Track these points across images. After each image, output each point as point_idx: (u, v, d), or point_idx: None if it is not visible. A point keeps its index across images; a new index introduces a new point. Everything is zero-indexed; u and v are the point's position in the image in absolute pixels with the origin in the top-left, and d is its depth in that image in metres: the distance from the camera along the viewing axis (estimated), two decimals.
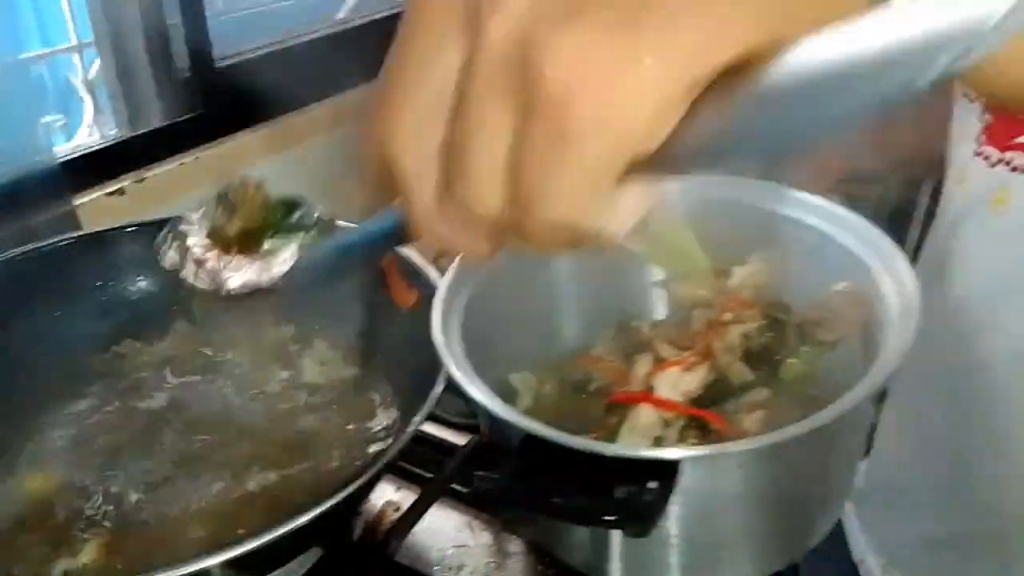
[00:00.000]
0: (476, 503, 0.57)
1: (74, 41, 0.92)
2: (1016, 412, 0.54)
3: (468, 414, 0.59)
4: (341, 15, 1.23)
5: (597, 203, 0.22)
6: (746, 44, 0.20)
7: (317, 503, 0.40)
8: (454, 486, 0.56)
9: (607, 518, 0.35)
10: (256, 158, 0.97)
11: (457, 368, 0.42)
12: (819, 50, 0.18)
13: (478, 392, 0.41)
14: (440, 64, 0.24)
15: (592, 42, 0.20)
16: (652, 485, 0.36)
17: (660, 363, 0.50)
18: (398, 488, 0.58)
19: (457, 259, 0.50)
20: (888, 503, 0.69)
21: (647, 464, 0.37)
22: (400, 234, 0.28)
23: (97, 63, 0.94)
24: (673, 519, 0.41)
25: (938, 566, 0.63)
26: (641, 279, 0.56)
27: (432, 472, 0.57)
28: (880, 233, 0.49)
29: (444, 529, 0.56)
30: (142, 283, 0.61)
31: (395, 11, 1.25)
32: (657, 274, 0.56)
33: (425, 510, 0.53)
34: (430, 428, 0.60)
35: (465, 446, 0.58)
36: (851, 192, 0.66)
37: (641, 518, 0.36)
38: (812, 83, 0.19)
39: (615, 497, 0.35)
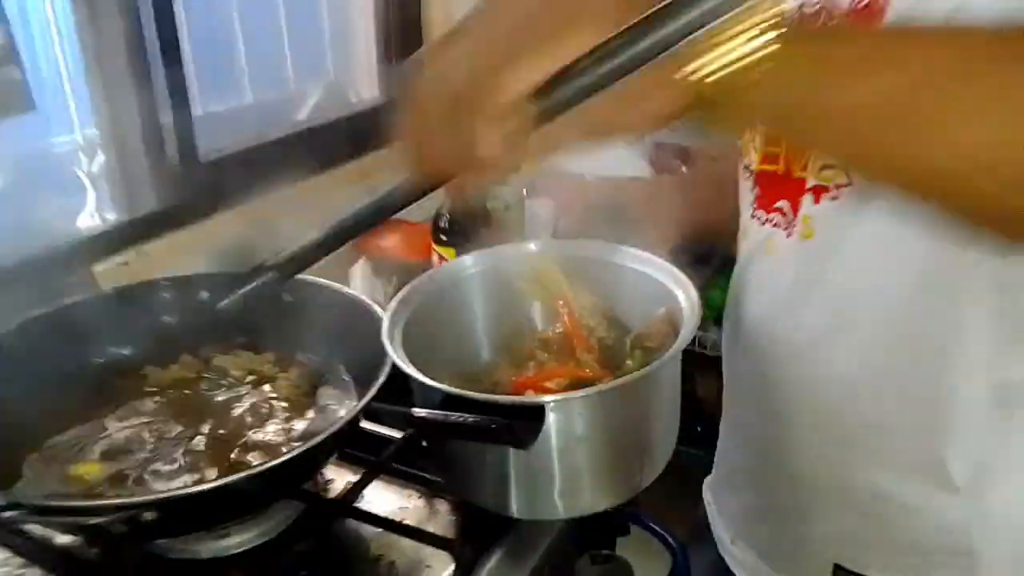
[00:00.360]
0: (410, 479, 0.77)
1: (80, 140, 1.13)
2: (800, 406, 0.73)
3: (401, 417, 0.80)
4: (302, 116, 1.47)
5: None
6: None
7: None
8: (396, 465, 0.77)
9: (501, 433, 0.57)
10: (231, 233, 1.19)
11: (398, 358, 0.64)
12: None
13: (414, 371, 0.63)
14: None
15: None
16: (527, 420, 0.59)
17: (540, 367, 0.74)
18: (355, 473, 0.78)
19: (402, 290, 0.72)
20: (729, 485, 0.90)
21: (525, 407, 0.60)
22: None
23: (100, 157, 1.14)
24: (551, 454, 0.63)
25: (764, 532, 0.81)
26: (525, 308, 0.80)
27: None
28: (681, 274, 0.73)
29: (389, 497, 0.76)
30: (165, 319, 0.81)
31: (345, 115, 1.51)
32: (535, 302, 0.79)
33: (375, 475, 0.74)
34: (375, 427, 0.80)
35: (400, 438, 0.78)
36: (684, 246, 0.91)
37: (521, 435, 0.58)
38: None
39: (504, 421, 0.57)
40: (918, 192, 0.48)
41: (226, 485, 0.57)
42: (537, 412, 0.60)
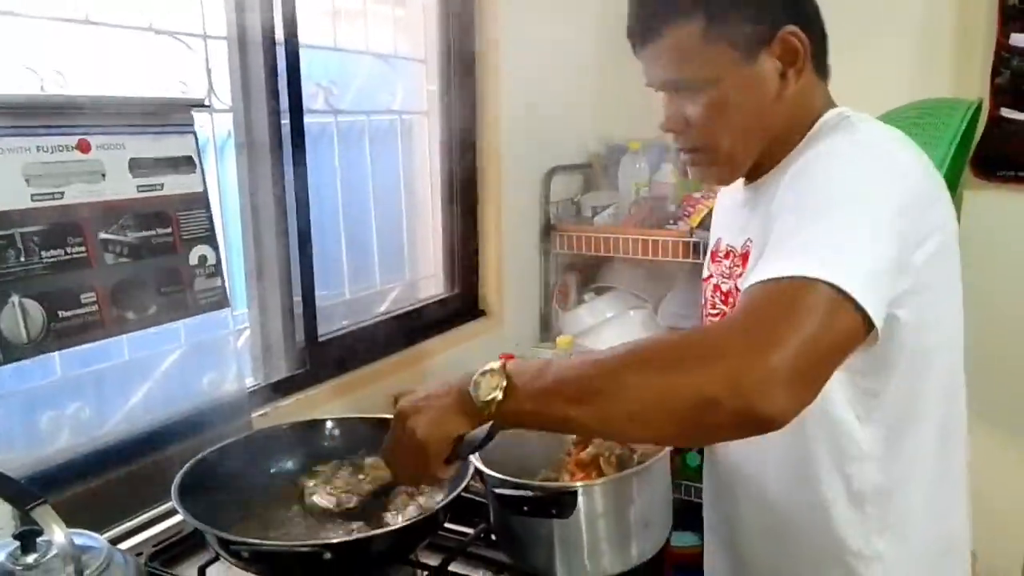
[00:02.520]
0: (482, 560, 1.10)
1: (231, 325, 1.54)
2: (740, 515, 1.09)
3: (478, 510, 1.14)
4: (383, 308, 1.90)
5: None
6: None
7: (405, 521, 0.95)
8: (471, 550, 1.10)
9: (548, 505, 0.91)
10: (337, 397, 1.57)
11: (480, 464, 0.99)
12: None
13: (491, 471, 0.97)
14: None
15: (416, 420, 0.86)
16: (567, 496, 0.93)
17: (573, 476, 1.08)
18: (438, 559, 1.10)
19: None
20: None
21: (564, 491, 0.94)
22: None
23: (247, 334, 1.55)
24: (580, 526, 0.96)
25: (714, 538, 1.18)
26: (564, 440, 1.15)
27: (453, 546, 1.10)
28: None
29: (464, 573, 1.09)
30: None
31: (418, 306, 1.93)
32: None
33: (459, 554, 1.06)
34: (453, 526, 1.13)
35: (477, 529, 1.11)
36: None
37: (561, 508, 0.92)
38: None
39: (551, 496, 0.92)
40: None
41: (381, 535, 0.92)
42: (572, 493, 0.94)
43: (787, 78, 0.93)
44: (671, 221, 2.08)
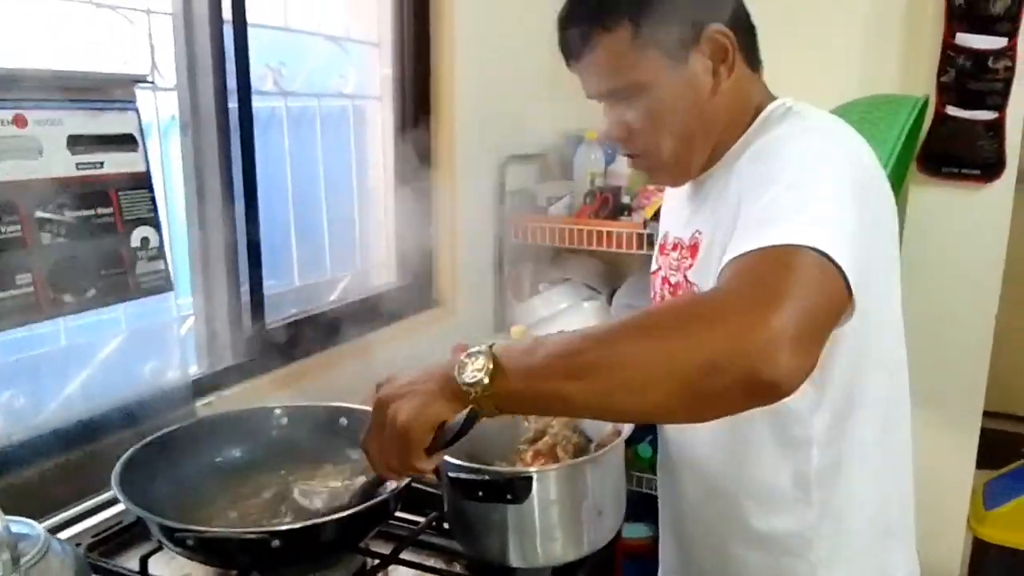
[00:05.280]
0: (434, 548, 1.08)
1: (175, 312, 1.50)
2: (686, 505, 1.10)
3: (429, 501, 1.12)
4: (333, 297, 1.86)
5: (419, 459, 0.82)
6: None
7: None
8: (422, 538, 1.08)
9: (504, 489, 0.90)
10: (285, 387, 1.53)
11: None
12: None
13: (448, 457, 0.96)
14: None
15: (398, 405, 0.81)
16: (521, 481, 0.92)
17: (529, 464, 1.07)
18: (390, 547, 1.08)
19: None
20: (664, 566, 1.22)
21: (520, 476, 0.93)
22: None
23: (191, 322, 1.50)
24: (534, 512, 0.95)
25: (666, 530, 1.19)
26: (519, 423, 1.14)
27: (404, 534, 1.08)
28: None
29: (420, 562, 1.07)
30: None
31: (369, 295, 1.90)
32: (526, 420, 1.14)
33: (410, 542, 1.04)
34: (404, 515, 1.11)
35: (428, 518, 1.10)
36: None
37: (515, 493, 0.91)
38: None
39: (506, 480, 0.90)
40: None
41: (330, 521, 0.89)
42: (527, 479, 0.93)
43: (719, 75, 0.95)
44: (625, 212, 2.09)
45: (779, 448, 0.97)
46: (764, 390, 0.70)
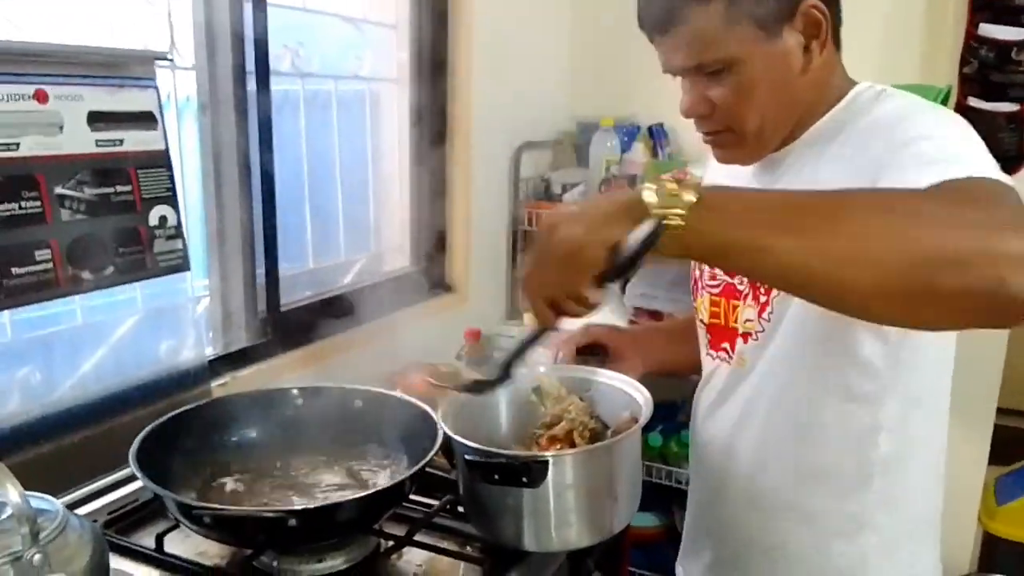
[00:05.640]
0: (448, 531, 1.08)
1: (190, 293, 1.50)
2: (726, 481, 1.09)
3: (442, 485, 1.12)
4: (347, 280, 1.86)
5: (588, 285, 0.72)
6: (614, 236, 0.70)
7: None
8: (436, 521, 1.08)
9: (520, 472, 0.90)
10: (299, 368, 1.53)
11: (450, 431, 0.97)
12: None
13: (461, 438, 0.95)
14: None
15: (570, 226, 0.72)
16: (537, 465, 0.91)
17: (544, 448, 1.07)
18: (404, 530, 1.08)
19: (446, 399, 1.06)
20: (692, 551, 1.21)
21: (536, 460, 0.92)
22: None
23: (206, 303, 1.50)
24: (549, 496, 0.94)
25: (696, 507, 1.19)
26: (535, 411, 1.14)
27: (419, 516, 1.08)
28: (641, 385, 1.08)
29: (433, 544, 1.07)
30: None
31: (383, 279, 1.90)
32: (542, 407, 1.13)
33: (425, 524, 1.04)
34: (419, 498, 1.11)
35: (442, 501, 1.10)
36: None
37: (531, 477, 0.90)
38: None
39: (523, 464, 0.90)
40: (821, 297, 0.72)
41: (346, 502, 0.89)
42: (544, 462, 0.93)
43: (811, 51, 0.93)
44: None
45: (848, 432, 0.97)
46: (1004, 303, 0.63)
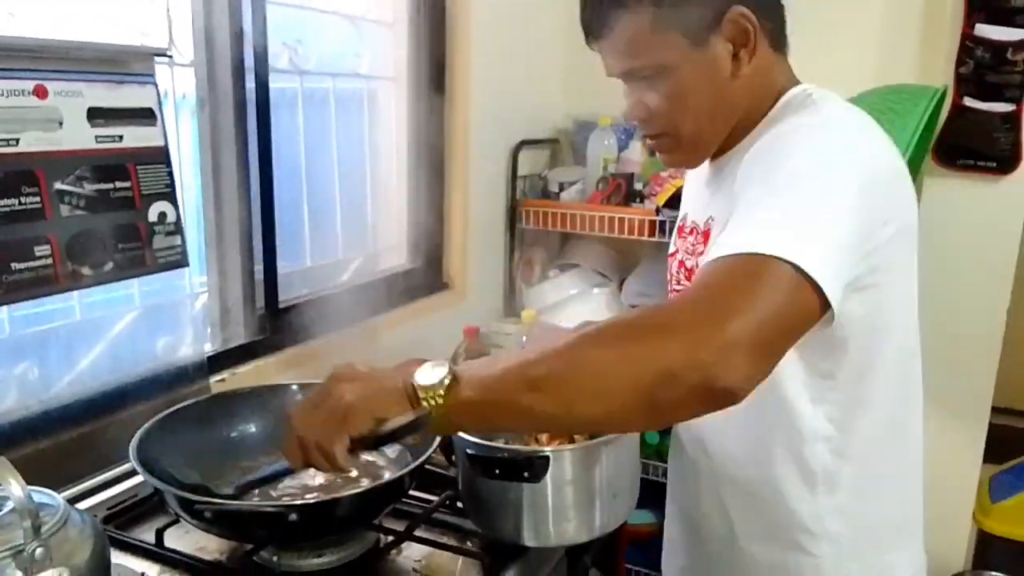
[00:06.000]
0: (447, 527, 1.08)
1: (188, 290, 1.50)
2: (700, 487, 1.09)
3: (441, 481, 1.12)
4: (344, 278, 1.86)
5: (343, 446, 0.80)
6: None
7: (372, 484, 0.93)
8: (435, 516, 1.08)
9: (521, 466, 0.90)
10: (297, 365, 1.54)
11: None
12: None
13: (465, 435, 0.96)
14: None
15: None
16: (538, 460, 0.92)
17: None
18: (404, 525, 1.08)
19: None
20: (670, 553, 1.22)
21: (536, 455, 0.93)
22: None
23: (204, 299, 1.50)
24: (547, 492, 0.95)
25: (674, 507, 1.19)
26: None
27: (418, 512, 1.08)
28: None
29: (432, 540, 1.07)
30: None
31: (381, 277, 1.90)
32: None
33: (425, 519, 1.05)
34: (418, 493, 1.11)
35: (442, 496, 1.10)
36: None
37: (532, 471, 0.91)
38: None
39: (524, 458, 0.90)
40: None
41: (346, 497, 0.89)
42: (544, 457, 0.93)
43: (740, 59, 0.94)
44: (638, 199, 2.08)
45: (788, 445, 0.97)
46: (717, 397, 0.71)
